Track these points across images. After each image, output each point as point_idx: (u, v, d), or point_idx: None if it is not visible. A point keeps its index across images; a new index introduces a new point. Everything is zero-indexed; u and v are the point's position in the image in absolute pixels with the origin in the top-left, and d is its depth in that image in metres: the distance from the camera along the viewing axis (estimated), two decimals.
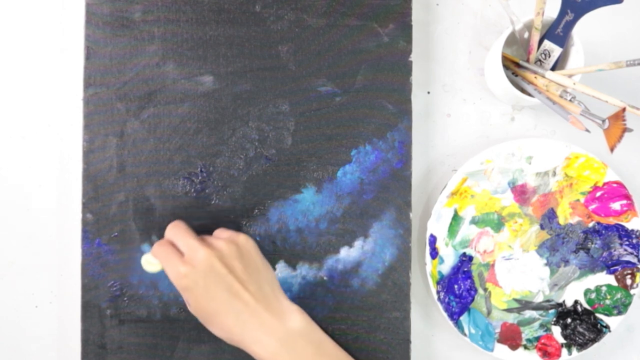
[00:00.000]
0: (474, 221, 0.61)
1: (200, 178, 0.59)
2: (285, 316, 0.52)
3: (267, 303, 0.51)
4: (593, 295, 0.61)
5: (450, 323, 0.60)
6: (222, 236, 0.54)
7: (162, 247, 0.53)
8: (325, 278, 0.59)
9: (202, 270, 0.51)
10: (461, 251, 0.61)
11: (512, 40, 0.61)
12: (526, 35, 0.59)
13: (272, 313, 0.51)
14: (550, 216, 0.61)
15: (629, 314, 0.62)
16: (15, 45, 0.61)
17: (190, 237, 0.52)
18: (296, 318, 0.52)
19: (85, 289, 0.58)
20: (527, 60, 0.59)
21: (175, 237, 0.53)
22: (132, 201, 0.58)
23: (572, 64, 0.59)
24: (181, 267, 0.51)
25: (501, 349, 0.60)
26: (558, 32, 0.57)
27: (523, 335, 0.60)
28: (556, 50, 0.58)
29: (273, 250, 0.59)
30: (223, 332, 0.52)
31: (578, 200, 0.61)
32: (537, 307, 0.61)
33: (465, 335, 0.60)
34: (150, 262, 0.54)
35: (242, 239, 0.53)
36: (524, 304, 0.61)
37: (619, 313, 0.60)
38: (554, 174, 0.61)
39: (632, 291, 0.60)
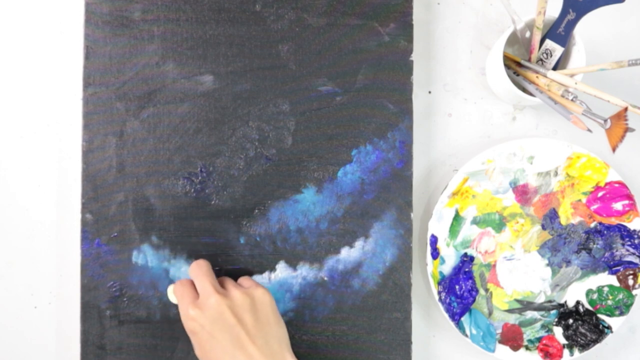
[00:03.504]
0: (475, 221, 0.60)
1: (200, 178, 0.58)
2: None
3: (272, 359, 0.50)
4: (595, 296, 0.61)
5: (452, 324, 0.59)
6: (243, 285, 0.54)
7: (181, 286, 0.53)
8: (325, 278, 0.59)
9: (211, 316, 0.50)
10: (462, 251, 0.60)
11: (514, 39, 0.61)
12: (528, 34, 0.59)
13: None
14: (551, 216, 0.61)
15: (631, 315, 0.62)
16: (15, 45, 0.61)
17: (206, 281, 0.52)
18: None
19: (85, 289, 0.57)
20: (529, 60, 0.59)
21: (195, 277, 0.53)
22: (131, 201, 0.58)
23: (573, 64, 0.58)
24: (191, 310, 0.51)
25: (502, 350, 0.60)
26: (560, 32, 0.57)
27: (524, 336, 0.60)
28: (558, 50, 0.58)
29: (273, 251, 0.58)
30: None
31: (580, 200, 0.61)
32: (538, 308, 0.61)
33: (466, 336, 0.59)
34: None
35: (260, 292, 0.53)
36: (525, 305, 0.61)
37: (621, 314, 0.60)
38: (556, 173, 0.61)
39: (634, 292, 0.60)
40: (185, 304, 0.52)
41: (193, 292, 0.53)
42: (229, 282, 0.54)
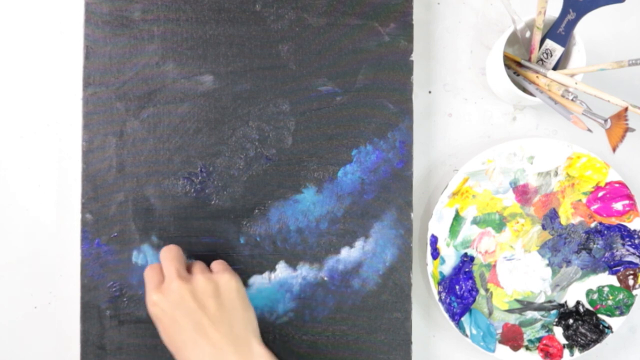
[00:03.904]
0: (476, 221, 0.60)
1: (200, 178, 0.58)
2: None
3: (237, 345, 0.49)
4: (595, 296, 0.61)
5: (452, 324, 0.59)
6: (213, 269, 0.54)
7: (149, 271, 0.53)
8: (325, 278, 0.59)
9: (172, 301, 0.50)
10: (462, 251, 0.60)
11: (514, 39, 0.61)
12: (528, 34, 0.59)
13: (240, 356, 0.49)
14: (552, 216, 0.61)
15: (631, 315, 0.62)
16: (14, 45, 0.61)
17: (172, 265, 0.52)
18: None
19: (85, 289, 0.57)
20: (529, 60, 0.59)
21: (163, 262, 0.53)
22: (131, 201, 0.58)
23: (574, 64, 0.58)
24: (153, 295, 0.51)
25: (503, 350, 0.60)
26: (560, 32, 0.57)
27: (525, 336, 0.60)
28: (558, 50, 0.58)
29: (273, 251, 0.58)
30: None
31: (580, 200, 0.61)
32: (538, 308, 0.61)
33: (466, 336, 0.59)
34: None
35: (226, 277, 0.52)
36: (525, 305, 0.61)
37: (621, 314, 0.60)
38: (556, 174, 0.61)
39: (634, 292, 0.60)
40: (150, 289, 0.52)
41: (159, 277, 0.52)
42: (198, 267, 0.53)
